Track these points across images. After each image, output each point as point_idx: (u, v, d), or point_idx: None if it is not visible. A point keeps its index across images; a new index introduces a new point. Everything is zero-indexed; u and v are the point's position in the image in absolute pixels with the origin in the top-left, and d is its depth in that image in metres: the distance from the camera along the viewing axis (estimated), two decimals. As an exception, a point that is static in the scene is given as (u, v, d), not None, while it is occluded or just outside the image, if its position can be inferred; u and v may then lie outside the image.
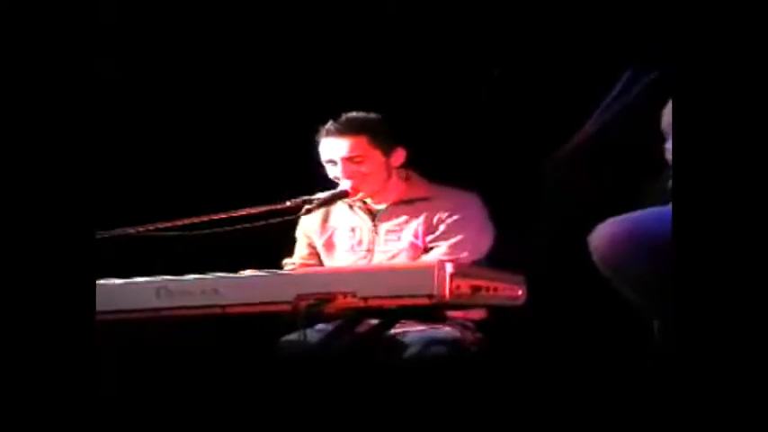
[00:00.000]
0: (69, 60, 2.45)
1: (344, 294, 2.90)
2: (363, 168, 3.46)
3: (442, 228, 3.45)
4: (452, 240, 3.43)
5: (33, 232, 2.39)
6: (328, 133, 3.48)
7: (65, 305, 2.40)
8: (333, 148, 3.47)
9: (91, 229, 2.52)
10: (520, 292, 2.98)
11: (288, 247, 3.67)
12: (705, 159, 2.23)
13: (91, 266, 2.47)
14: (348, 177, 3.45)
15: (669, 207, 2.53)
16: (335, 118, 3.50)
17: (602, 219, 2.57)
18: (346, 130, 3.46)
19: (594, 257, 2.57)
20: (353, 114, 3.51)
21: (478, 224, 3.48)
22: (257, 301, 2.98)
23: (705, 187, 2.23)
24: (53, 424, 2.35)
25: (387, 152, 3.50)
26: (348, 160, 3.46)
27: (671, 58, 2.31)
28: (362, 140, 3.47)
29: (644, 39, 3.44)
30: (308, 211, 3.43)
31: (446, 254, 3.40)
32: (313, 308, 2.91)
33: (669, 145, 2.70)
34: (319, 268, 3.50)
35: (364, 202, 3.55)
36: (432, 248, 3.46)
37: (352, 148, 3.46)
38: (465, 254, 3.41)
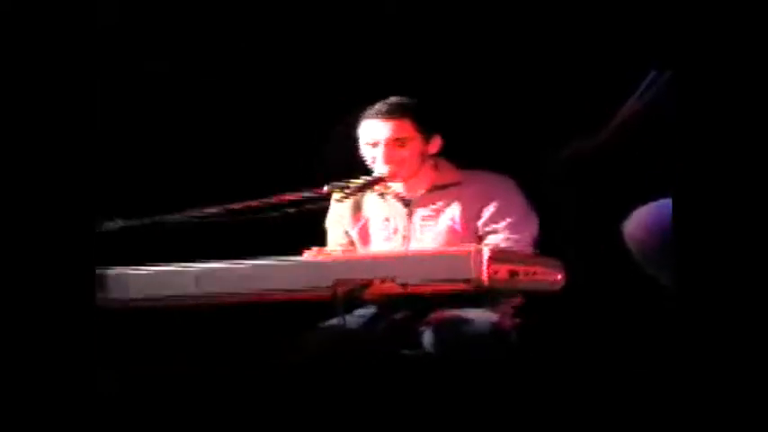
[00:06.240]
0: (72, 54, 2.63)
1: (383, 280, 3.08)
2: (405, 152, 3.60)
3: (490, 211, 3.59)
4: (507, 221, 3.56)
5: (33, 224, 2.59)
6: (374, 115, 3.61)
7: (65, 297, 2.59)
8: (377, 130, 3.60)
9: (90, 223, 2.70)
10: (559, 277, 3.14)
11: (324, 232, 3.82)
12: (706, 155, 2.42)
13: (90, 259, 2.65)
14: (388, 161, 3.58)
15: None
16: (378, 101, 3.63)
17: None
18: (393, 112, 3.60)
19: (630, 244, 2.76)
20: (399, 98, 3.64)
21: (523, 202, 3.62)
22: (296, 287, 3.18)
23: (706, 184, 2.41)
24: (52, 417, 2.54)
25: (427, 138, 3.64)
26: (392, 142, 3.59)
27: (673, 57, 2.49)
28: (407, 124, 3.60)
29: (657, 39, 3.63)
30: (345, 197, 3.57)
31: (507, 237, 3.54)
32: (352, 294, 3.12)
33: None
34: (358, 254, 3.65)
35: (396, 191, 3.69)
36: (485, 234, 3.58)
37: (398, 131, 3.59)
38: (526, 233, 3.56)
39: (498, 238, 3.56)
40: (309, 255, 3.48)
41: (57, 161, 2.60)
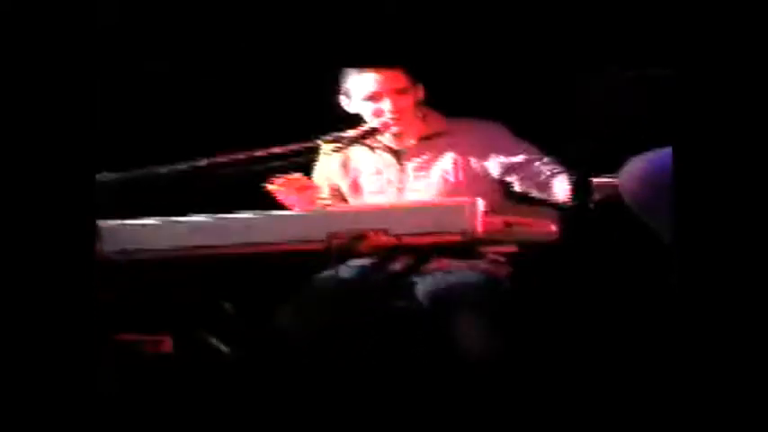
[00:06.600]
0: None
1: (377, 232, 3.09)
2: (405, 102, 3.58)
3: (499, 160, 3.58)
4: (523, 158, 3.57)
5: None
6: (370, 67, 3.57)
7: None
8: (376, 82, 3.56)
9: (90, 219, 2.70)
10: (553, 228, 3.16)
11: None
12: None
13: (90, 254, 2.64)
14: (396, 112, 3.56)
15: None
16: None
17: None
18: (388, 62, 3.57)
19: (624, 195, 2.79)
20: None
21: (519, 139, 3.62)
22: (290, 239, 3.17)
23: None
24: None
25: (416, 86, 3.62)
26: (395, 93, 3.57)
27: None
28: (401, 74, 3.59)
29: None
30: (337, 150, 3.54)
31: (530, 173, 3.56)
32: (346, 246, 3.12)
33: None
34: (352, 206, 3.66)
35: (385, 143, 3.68)
36: (513, 182, 3.60)
37: (397, 81, 3.57)
38: (546, 160, 3.56)
39: (526, 174, 3.58)
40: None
41: (57, 159, 2.60)
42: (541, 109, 4.02)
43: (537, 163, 3.58)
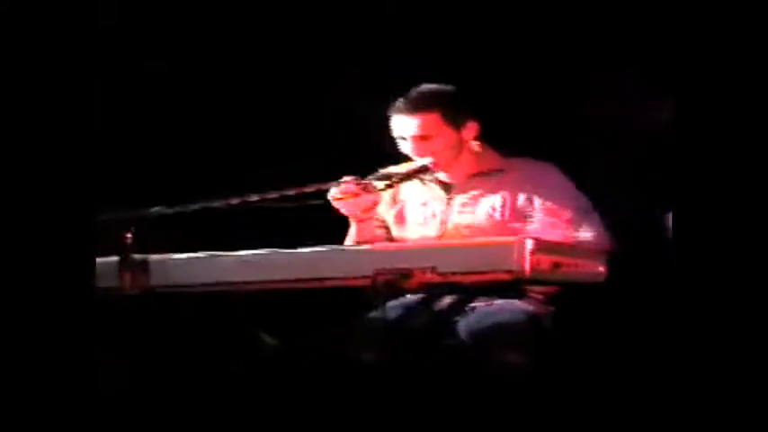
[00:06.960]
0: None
1: (423, 270, 3.10)
2: (432, 146, 3.61)
3: (530, 199, 3.61)
4: (544, 206, 3.59)
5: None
6: (399, 110, 3.62)
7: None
8: (403, 126, 3.62)
9: (89, 219, 2.74)
10: (601, 269, 3.16)
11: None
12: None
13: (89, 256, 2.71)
14: (417, 155, 3.61)
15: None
16: (408, 92, 3.64)
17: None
18: (417, 107, 3.61)
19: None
20: (426, 88, 3.65)
21: (564, 186, 3.64)
22: (336, 275, 3.19)
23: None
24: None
25: (459, 127, 3.65)
26: (418, 138, 3.61)
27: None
28: (434, 117, 3.61)
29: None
30: (389, 187, 3.59)
31: (540, 223, 3.58)
32: (392, 283, 3.13)
33: None
34: (398, 243, 3.67)
35: (437, 177, 3.70)
36: (526, 222, 3.61)
37: (423, 127, 3.60)
38: (564, 216, 3.57)
39: (533, 225, 3.59)
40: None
41: (57, 159, 2.63)
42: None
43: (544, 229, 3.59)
